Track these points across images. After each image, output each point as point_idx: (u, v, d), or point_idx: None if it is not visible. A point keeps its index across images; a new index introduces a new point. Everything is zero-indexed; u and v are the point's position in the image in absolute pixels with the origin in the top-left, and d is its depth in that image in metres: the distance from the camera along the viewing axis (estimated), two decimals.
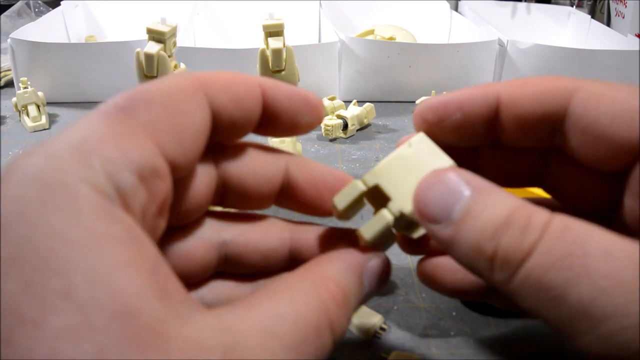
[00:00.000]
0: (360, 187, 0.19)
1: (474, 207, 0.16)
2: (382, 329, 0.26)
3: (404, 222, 0.19)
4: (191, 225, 0.20)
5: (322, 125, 0.48)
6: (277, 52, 0.35)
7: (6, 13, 0.76)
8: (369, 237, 0.19)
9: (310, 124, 0.20)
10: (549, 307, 0.15)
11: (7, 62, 0.62)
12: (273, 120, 0.20)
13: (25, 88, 0.49)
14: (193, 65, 0.49)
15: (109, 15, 0.69)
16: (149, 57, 0.34)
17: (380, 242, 0.20)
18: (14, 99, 0.50)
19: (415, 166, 0.19)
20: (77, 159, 0.14)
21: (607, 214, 0.20)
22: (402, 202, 0.19)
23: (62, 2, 0.67)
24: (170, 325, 0.13)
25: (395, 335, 0.26)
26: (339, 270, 0.18)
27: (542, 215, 0.15)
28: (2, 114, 0.53)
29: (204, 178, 0.19)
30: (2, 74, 0.61)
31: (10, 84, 0.61)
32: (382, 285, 0.20)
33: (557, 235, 0.15)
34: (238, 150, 0.20)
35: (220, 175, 0.20)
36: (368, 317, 0.26)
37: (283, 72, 0.36)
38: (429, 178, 0.17)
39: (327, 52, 0.54)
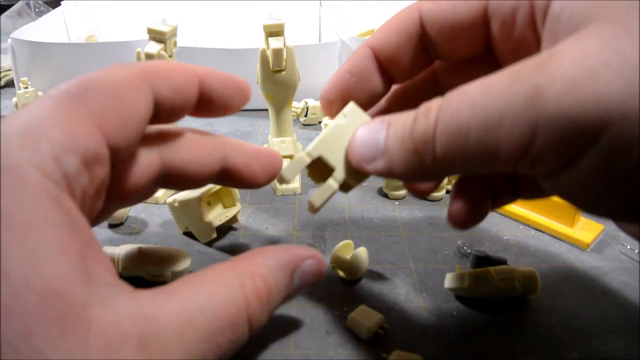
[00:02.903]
0: (305, 159, 0.21)
1: (391, 131, 0.19)
2: (382, 328, 0.26)
3: (348, 186, 0.22)
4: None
5: (323, 124, 0.48)
6: (277, 52, 0.35)
7: (6, 13, 0.76)
8: (319, 204, 0.21)
9: (239, 105, 0.23)
10: (470, 150, 0.16)
11: (7, 62, 0.62)
12: (208, 104, 0.22)
13: (25, 88, 0.49)
14: None
15: (109, 15, 0.69)
16: (149, 57, 0.34)
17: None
18: (15, 99, 0.50)
19: (349, 135, 0.21)
20: (26, 142, 0.15)
21: None
22: (343, 170, 0.21)
23: (62, 2, 0.67)
24: (93, 310, 0.14)
25: (396, 335, 0.26)
26: (270, 266, 0.19)
27: (437, 100, 0.18)
28: (2, 114, 0.53)
29: (147, 164, 0.21)
30: (3, 74, 0.61)
31: (10, 84, 0.61)
32: (314, 284, 0.21)
33: (447, 100, 0.17)
34: (181, 139, 0.22)
35: (163, 162, 0.21)
36: (368, 317, 0.26)
37: (283, 72, 0.36)
38: (354, 135, 0.20)
39: (327, 52, 0.54)
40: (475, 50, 0.21)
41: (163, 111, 0.21)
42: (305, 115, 0.50)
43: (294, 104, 0.49)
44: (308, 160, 0.21)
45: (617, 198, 0.15)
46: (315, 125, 0.51)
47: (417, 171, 0.18)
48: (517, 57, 0.19)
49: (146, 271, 0.29)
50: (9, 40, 0.52)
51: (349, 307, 0.28)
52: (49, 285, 0.14)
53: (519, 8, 0.19)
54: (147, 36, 0.35)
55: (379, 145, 0.19)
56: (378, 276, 0.30)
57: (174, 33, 0.35)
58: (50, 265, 0.14)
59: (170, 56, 0.35)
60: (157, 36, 0.34)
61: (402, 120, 0.19)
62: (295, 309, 0.27)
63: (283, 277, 0.20)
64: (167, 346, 0.15)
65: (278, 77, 0.36)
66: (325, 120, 0.47)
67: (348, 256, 0.29)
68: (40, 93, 0.50)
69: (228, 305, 0.17)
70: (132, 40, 0.52)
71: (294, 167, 0.21)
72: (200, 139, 0.23)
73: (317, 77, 0.53)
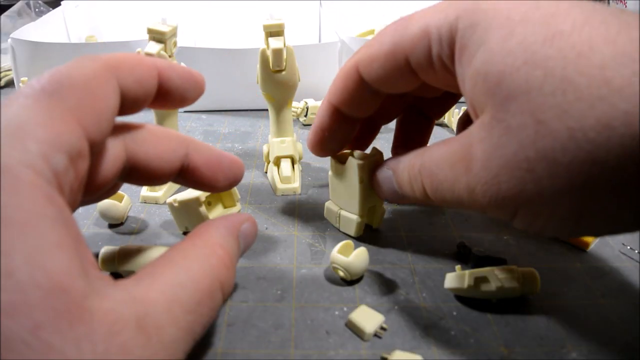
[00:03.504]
0: (364, 219, 0.32)
1: (397, 180, 0.27)
2: (382, 328, 0.26)
3: None
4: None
5: None
6: (277, 52, 0.35)
7: (6, 13, 0.76)
8: (380, 223, 0.34)
9: (195, 98, 0.25)
10: (452, 204, 0.23)
11: (7, 62, 0.62)
12: (166, 95, 0.23)
13: None
14: (193, 65, 0.49)
15: (109, 15, 0.69)
16: (149, 57, 0.34)
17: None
18: None
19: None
20: (14, 142, 0.16)
21: None
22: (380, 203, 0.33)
23: (62, 2, 0.67)
24: (93, 301, 0.15)
25: (396, 335, 0.26)
26: (223, 235, 0.22)
27: (417, 160, 0.25)
28: None
29: (114, 156, 0.21)
30: (3, 74, 0.61)
31: (10, 84, 0.61)
32: (251, 243, 0.24)
33: (423, 173, 0.24)
34: (145, 132, 0.23)
35: (128, 155, 0.22)
36: (368, 317, 0.26)
37: (284, 72, 0.36)
38: (377, 191, 0.29)
39: (327, 52, 0.54)
40: (415, 86, 0.25)
41: (127, 103, 0.21)
42: (305, 115, 0.50)
43: (294, 104, 0.49)
44: (360, 220, 0.32)
45: (548, 231, 0.21)
46: None
47: (428, 204, 0.26)
48: (448, 87, 0.25)
49: None
50: (9, 40, 0.52)
51: (349, 307, 0.28)
52: (53, 280, 0.14)
53: (434, 64, 0.23)
54: (147, 36, 0.35)
55: (398, 193, 0.27)
56: (378, 276, 0.30)
57: (174, 33, 0.35)
58: (52, 260, 0.14)
59: (170, 56, 0.35)
60: (157, 36, 0.34)
61: (401, 173, 0.26)
62: (296, 309, 0.28)
63: (234, 242, 0.22)
64: (160, 323, 0.16)
65: (278, 77, 0.36)
66: None
67: (348, 256, 0.29)
68: None
69: (203, 277, 0.19)
70: (132, 40, 0.52)
71: (362, 227, 0.32)
72: (164, 134, 0.23)
73: (317, 77, 0.53)
